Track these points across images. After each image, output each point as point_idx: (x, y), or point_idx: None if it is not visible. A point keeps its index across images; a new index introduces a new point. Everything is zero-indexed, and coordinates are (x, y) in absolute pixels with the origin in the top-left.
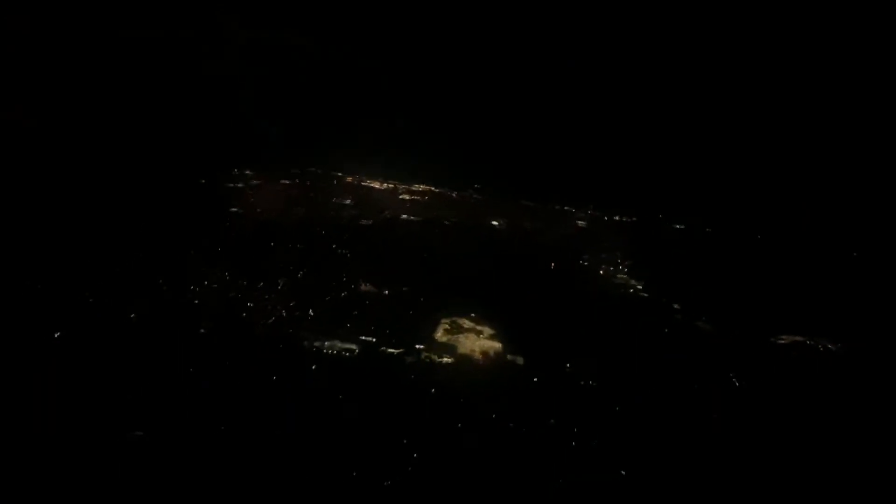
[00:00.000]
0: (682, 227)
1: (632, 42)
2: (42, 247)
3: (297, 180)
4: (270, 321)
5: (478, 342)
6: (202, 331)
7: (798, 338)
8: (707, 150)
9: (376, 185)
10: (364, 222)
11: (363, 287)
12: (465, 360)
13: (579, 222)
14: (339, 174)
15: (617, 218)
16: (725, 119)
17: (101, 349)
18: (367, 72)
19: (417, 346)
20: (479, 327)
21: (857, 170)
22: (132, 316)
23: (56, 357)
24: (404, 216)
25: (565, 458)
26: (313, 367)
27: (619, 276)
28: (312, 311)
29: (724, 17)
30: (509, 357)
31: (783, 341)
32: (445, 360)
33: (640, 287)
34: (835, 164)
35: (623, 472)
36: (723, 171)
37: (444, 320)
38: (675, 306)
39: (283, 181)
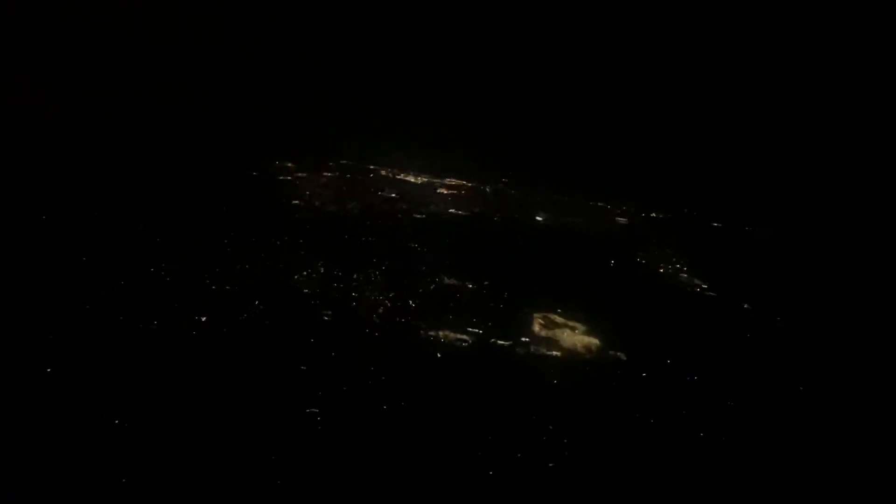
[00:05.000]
0: (720, 224)
1: (658, 38)
2: (144, 240)
3: (337, 173)
4: (380, 310)
5: (576, 337)
6: (325, 318)
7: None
8: (735, 147)
9: (411, 178)
10: (417, 216)
11: (447, 280)
12: (572, 355)
13: (619, 219)
14: (372, 167)
15: (654, 214)
16: (751, 116)
17: (238, 334)
18: (381, 65)
19: (523, 339)
20: (570, 323)
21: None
22: (256, 303)
23: (205, 341)
24: (451, 210)
25: (701, 449)
26: (438, 354)
27: (681, 274)
28: (412, 303)
29: (768, 15)
30: (611, 353)
31: (866, 339)
32: (554, 353)
33: (705, 286)
34: (871, 157)
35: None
36: (751, 169)
37: (535, 315)
38: (746, 306)
39: (325, 174)
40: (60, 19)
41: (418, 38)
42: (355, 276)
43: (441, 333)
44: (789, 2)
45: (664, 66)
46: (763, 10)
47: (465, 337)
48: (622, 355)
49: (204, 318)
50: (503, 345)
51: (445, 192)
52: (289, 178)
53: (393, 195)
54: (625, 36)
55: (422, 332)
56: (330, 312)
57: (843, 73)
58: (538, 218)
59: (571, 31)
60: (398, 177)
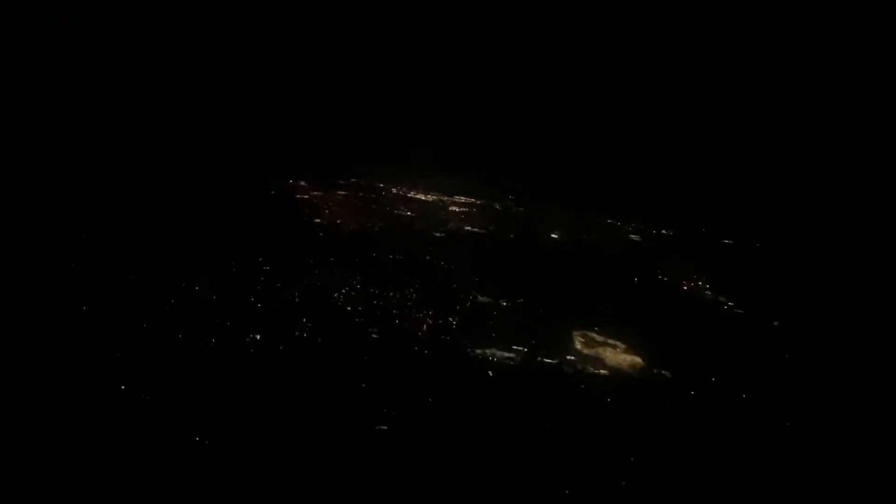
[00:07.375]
0: (731, 241)
1: (665, 54)
2: (182, 259)
3: (349, 191)
4: (424, 328)
5: (619, 356)
6: (373, 336)
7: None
8: (742, 163)
9: (421, 196)
10: (437, 234)
11: (481, 298)
12: (618, 373)
13: (632, 236)
14: (382, 185)
15: (664, 231)
16: (755, 132)
17: (294, 352)
18: (376, 86)
19: (569, 358)
20: (610, 341)
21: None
22: (304, 320)
23: (266, 359)
24: (468, 228)
25: (765, 466)
26: (490, 373)
27: (704, 292)
28: (452, 320)
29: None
30: (655, 370)
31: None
32: (602, 371)
33: (731, 304)
34: (884, 169)
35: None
36: (759, 184)
37: (575, 333)
38: (776, 323)
39: (338, 192)
40: (68, 32)
41: (417, 55)
42: (392, 293)
43: (489, 352)
44: (795, 13)
45: (663, 80)
46: (774, 22)
47: (511, 355)
48: (667, 373)
49: (258, 336)
50: (551, 363)
51: (457, 209)
52: (305, 196)
53: (408, 213)
54: (631, 52)
55: (469, 350)
56: (376, 330)
57: (845, 83)
58: (553, 235)
59: (576, 48)
60: (409, 195)
